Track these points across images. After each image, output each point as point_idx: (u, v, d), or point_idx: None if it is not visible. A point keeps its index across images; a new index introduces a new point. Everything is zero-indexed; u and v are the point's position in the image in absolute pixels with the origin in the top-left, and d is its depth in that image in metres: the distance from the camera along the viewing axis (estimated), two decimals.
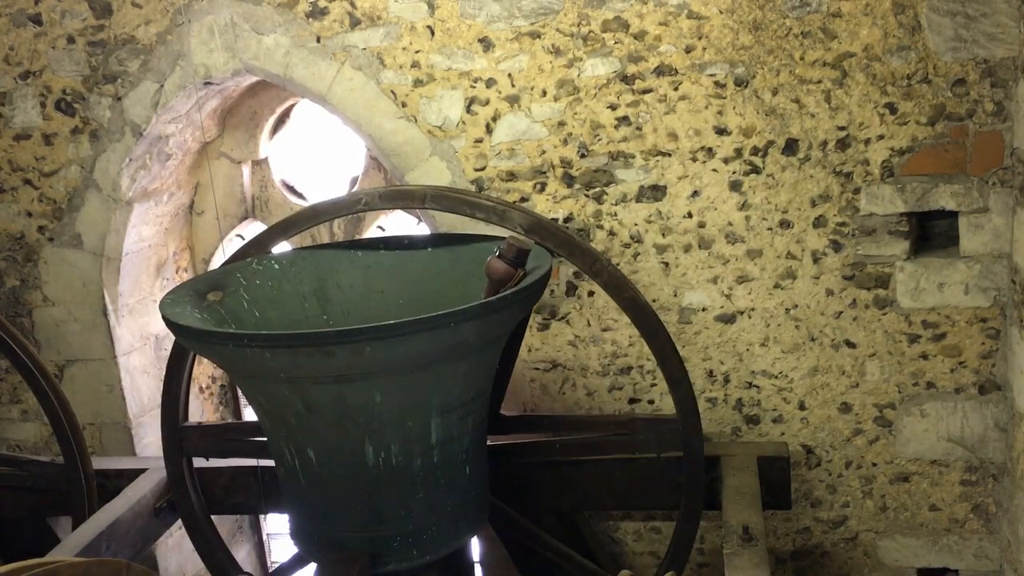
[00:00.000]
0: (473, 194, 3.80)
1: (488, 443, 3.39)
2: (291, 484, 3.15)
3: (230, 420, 5.19)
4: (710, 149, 3.85)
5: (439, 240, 3.71)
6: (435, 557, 3.10)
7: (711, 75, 3.78)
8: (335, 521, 3.08)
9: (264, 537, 5.31)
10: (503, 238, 3.26)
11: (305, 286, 3.49)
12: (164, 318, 2.98)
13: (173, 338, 3.82)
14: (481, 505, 3.29)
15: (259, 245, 3.66)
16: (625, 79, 3.84)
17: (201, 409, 4.99)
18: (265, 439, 3.35)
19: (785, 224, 3.87)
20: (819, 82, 3.70)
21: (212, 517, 4.02)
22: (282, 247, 3.81)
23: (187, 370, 3.79)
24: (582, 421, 3.89)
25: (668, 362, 3.41)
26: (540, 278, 3.09)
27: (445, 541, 3.13)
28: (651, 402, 4.16)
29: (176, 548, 4.75)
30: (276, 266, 3.50)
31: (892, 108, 3.68)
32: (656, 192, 3.94)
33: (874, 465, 4.04)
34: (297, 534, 3.22)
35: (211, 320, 3.15)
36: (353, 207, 3.67)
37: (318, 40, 4.03)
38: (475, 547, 3.68)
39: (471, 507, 3.22)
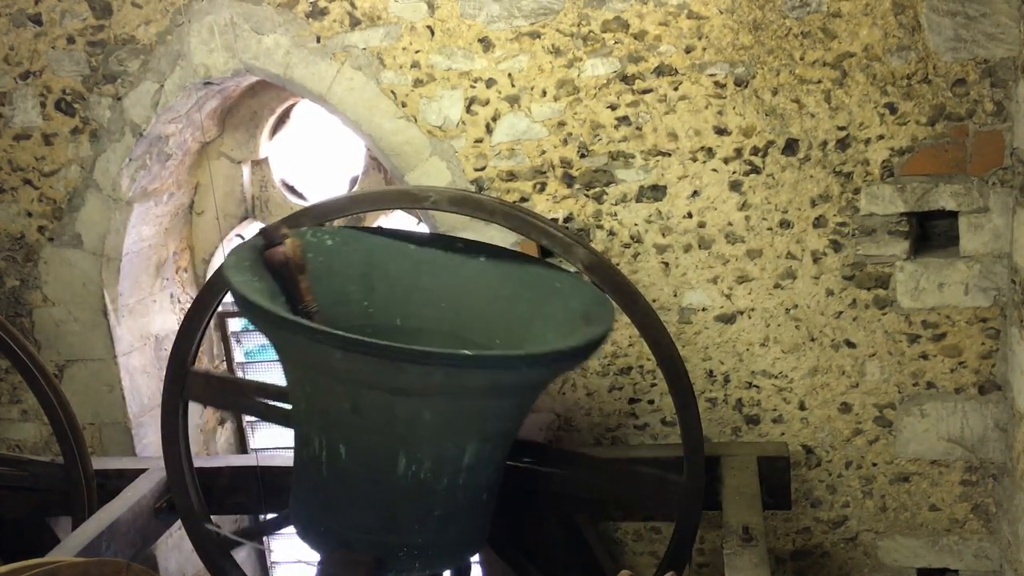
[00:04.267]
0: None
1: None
2: (309, 472, 3.12)
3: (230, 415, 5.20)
4: (710, 149, 3.85)
5: (494, 252, 3.55)
6: (433, 573, 3.11)
7: (711, 75, 3.78)
8: (348, 519, 3.06)
9: (264, 538, 5.30)
10: (560, 267, 3.25)
11: (354, 268, 3.40)
12: (234, 291, 2.89)
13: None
14: (484, 529, 3.28)
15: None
16: (625, 79, 3.84)
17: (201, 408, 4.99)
18: (280, 409, 3.33)
19: (785, 224, 3.87)
20: (819, 82, 3.70)
21: (212, 517, 4.02)
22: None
23: (209, 315, 3.71)
24: (584, 458, 3.77)
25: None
26: (605, 332, 3.06)
27: (448, 559, 3.15)
28: (651, 402, 4.16)
29: (176, 548, 4.75)
30: (329, 242, 3.39)
31: (892, 108, 3.67)
32: (656, 192, 3.94)
33: (874, 465, 4.04)
34: (301, 519, 3.20)
35: (264, 290, 3.02)
36: (422, 202, 3.55)
37: (318, 40, 4.03)
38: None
39: (477, 530, 3.22)
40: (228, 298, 3.51)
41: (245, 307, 2.96)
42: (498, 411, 2.99)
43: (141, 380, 4.71)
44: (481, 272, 3.43)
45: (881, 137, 3.71)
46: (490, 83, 3.94)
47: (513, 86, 3.93)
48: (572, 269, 3.40)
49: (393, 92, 4.03)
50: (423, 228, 4.45)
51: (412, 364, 2.65)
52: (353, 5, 3.96)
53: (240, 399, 3.84)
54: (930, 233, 3.89)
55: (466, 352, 2.74)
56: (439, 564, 3.12)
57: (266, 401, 3.65)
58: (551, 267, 3.42)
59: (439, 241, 3.59)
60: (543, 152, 3.98)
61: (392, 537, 3.03)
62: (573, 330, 3.05)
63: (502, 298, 3.35)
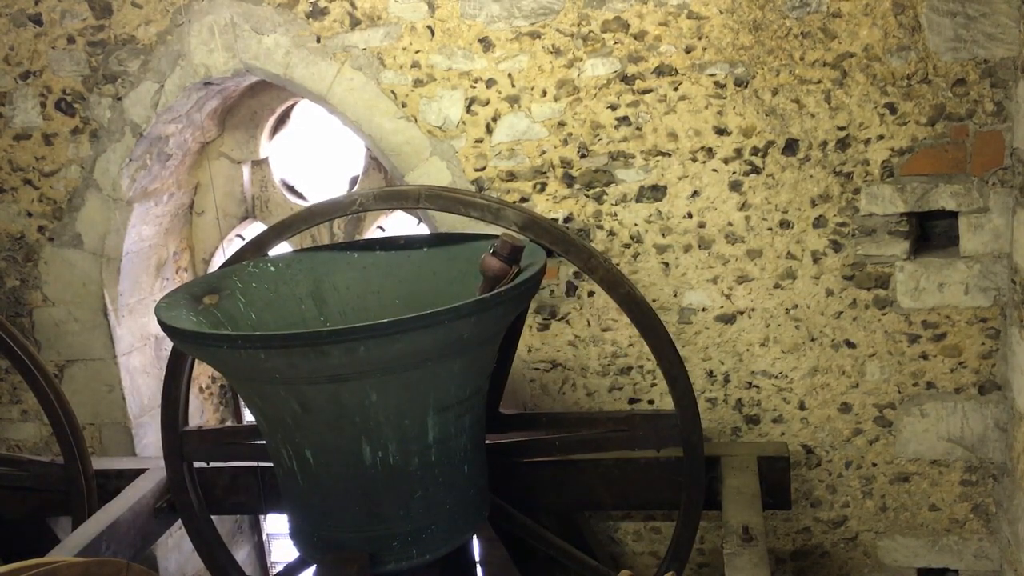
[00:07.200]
0: (468, 193, 3.81)
1: (487, 441, 3.40)
2: (289, 485, 3.15)
3: (230, 421, 5.20)
4: (710, 149, 3.85)
5: (435, 239, 3.71)
6: (435, 556, 3.10)
7: (711, 75, 3.78)
8: (334, 521, 3.07)
9: (264, 537, 5.31)
10: (498, 236, 3.26)
11: (301, 288, 3.50)
12: (160, 322, 2.99)
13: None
14: (481, 503, 3.29)
15: (256, 247, 3.66)
16: (625, 79, 3.84)
17: (201, 409, 4.99)
18: (264, 441, 3.35)
19: (785, 224, 3.87)
20: (819, 82, 3.70)
21: (212, 517, 4.02)
22: (281, 248, 3.81)
23: (186, 374, 3.79)
24: (581, 418, 3.90)
25: (666, 358, 3.42)
26: (535, 275, 3.09)
27: (445, 540, 3.13)
28: (651, 402, 4.16)
29: (176, 548, 4.75)
30: (272, 268, 3.51)
31: (892, 108, 3.68)
32: (656, 192, 3.94)
33: (874, 465, 4.05)
34: (296, 535, 3.23)
35: (207, 323, 3.15)
36: (348, 208, 3.68)
37: (318, 40, 4.03)
38: (475, 547, 3.67)
39: (470, 505, 3.22)
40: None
41: (174, 335, 3.01)
42: (445, 376, 2.94)
43: (141, 380, 4.71)
44: (425, 261, 3.53)
45: (881, 137, 3.71)
46: (490, 83, 3.94)
47: (513, 86, 3.93)
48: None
49: (393, 92, 4.03)
50: (422, 228, 4.46)
51: (331, 345, 2.65)
52: (353, 5, 3.96)
53: (238, 446, 3.89)
54: (930, 233, 3.89)
55: (381, 321, 2.65)
56: (437, 546, 3.09)
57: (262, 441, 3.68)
58: (489, 237, 3.43)
59: (381, 243, 3.68)
60: (543, 152, 3.98)
61: (381, 529, 3.03)
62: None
63: (450, 279, 3.40)
